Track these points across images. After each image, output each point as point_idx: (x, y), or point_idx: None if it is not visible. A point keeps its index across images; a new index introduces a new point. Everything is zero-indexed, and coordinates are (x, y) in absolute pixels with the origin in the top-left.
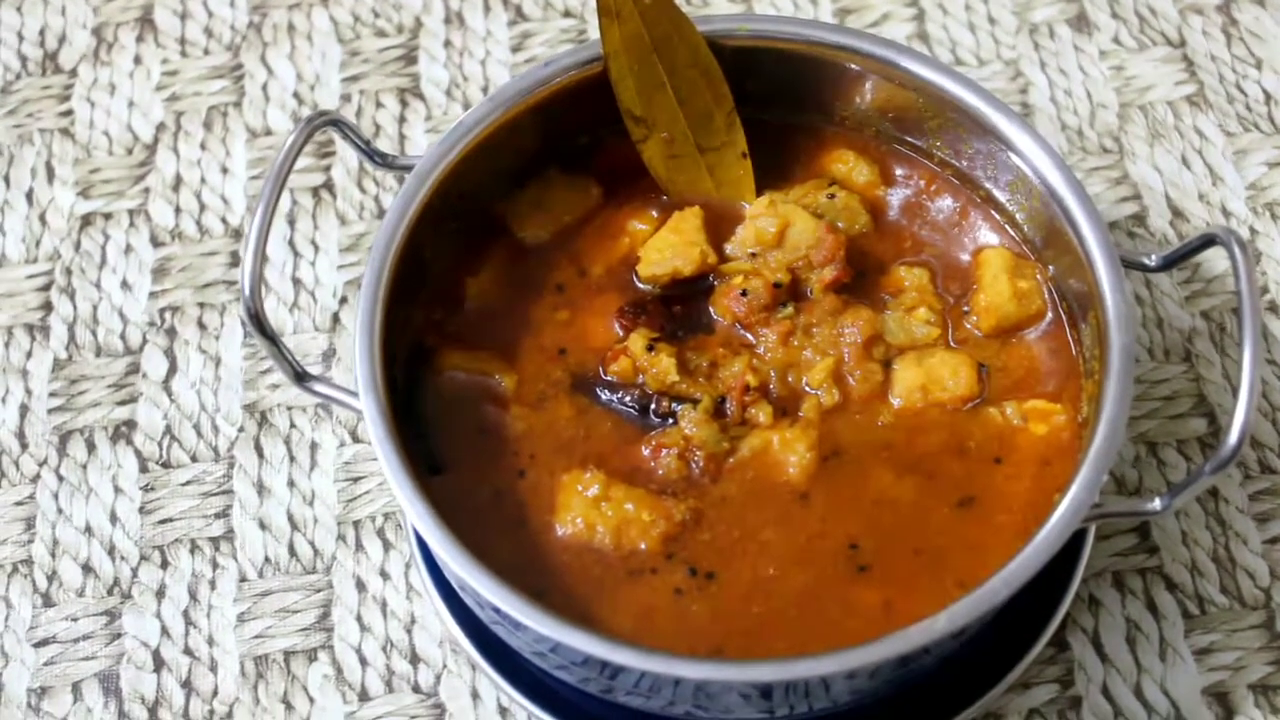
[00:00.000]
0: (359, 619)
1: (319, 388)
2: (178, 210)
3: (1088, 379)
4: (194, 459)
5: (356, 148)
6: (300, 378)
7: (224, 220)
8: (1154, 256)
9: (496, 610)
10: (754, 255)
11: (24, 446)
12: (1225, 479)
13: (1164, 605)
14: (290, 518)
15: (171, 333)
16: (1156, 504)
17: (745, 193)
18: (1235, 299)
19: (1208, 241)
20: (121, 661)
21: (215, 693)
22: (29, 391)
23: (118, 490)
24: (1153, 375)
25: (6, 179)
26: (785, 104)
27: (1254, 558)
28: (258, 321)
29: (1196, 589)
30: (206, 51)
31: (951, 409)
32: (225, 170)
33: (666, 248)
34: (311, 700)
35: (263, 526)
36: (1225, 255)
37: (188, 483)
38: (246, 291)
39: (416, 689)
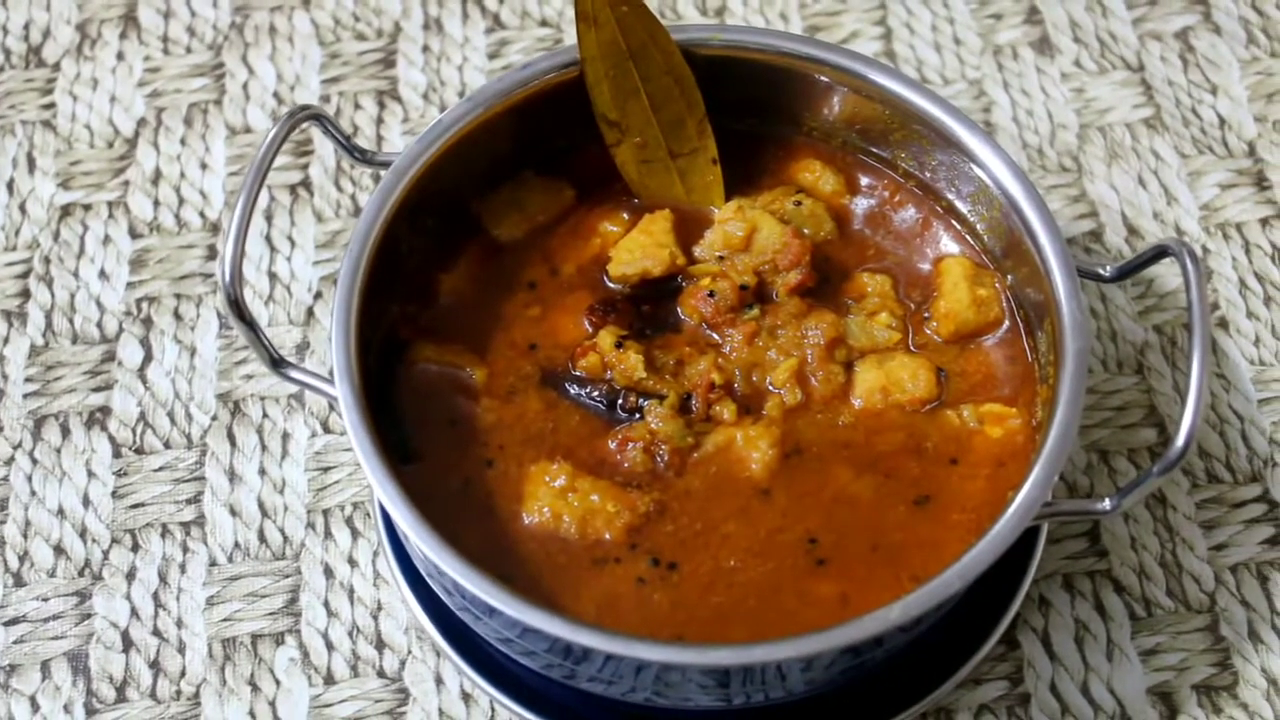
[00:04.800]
0: (326, 605)
1: (294, 374)
2: (156, 204)
3: (1042, 384)
4: (167, 446)
5: (337, 143)
6: (276, 364)
7: (202, 215)
8: (1108, 267)
9: (464, 594)
10: (722, 258)
11: None
12: (1173, 486)
13: (1112, 607)
14: (261, 505)
15: (148, 322)
16: (1106, 504)
17: (715, 198)
18: (1185, 314)
19: (1160, 253)
20: (91, 641)
21: (183, 674)
22: (5, 376)
23: (91, 474)
24: (1105, 386)
25: None
26: (755, 113)
27: (1199, 563)
28: (237, 307)
29: (1144, 592)
30: (189, 50)
31: (910, 411)
32: (204, 166)
33: (637, 249)
34: (278, 683)
35: (233, 513)
36: (1177, 272)
37: (160, 469)
38: (227, 277)
39: (381, 674)
